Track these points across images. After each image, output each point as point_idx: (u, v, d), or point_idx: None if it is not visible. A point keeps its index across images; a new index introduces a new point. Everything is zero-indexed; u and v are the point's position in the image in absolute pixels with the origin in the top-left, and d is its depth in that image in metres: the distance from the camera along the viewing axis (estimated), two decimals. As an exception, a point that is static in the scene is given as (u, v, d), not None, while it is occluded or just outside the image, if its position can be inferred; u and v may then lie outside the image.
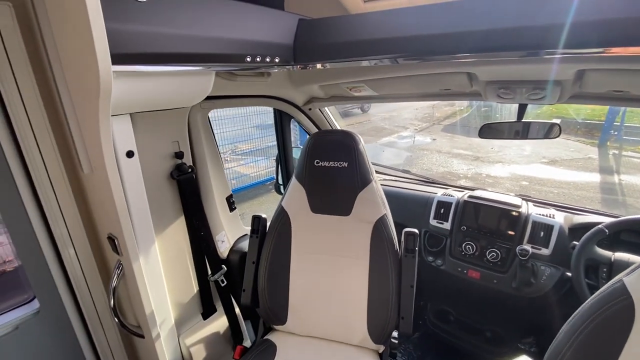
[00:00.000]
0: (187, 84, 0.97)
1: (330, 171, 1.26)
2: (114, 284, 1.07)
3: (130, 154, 0.95)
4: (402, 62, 0.96)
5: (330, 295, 1.24)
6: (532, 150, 8.65)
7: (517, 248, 1.34)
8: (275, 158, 1.98)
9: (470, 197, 1.61)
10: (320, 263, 1.27)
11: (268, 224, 1.34)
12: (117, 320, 1.10)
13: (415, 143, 9.91)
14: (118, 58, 0.73)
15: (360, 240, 1.23)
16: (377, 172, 2.43)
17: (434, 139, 10.14)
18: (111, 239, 1.04)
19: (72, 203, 1.05)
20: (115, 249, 1.05)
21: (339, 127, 1.87)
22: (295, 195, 1.31)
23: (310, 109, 1.69)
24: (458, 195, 1.67)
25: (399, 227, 1.77)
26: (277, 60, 1.07)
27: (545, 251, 1.38)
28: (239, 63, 0.98)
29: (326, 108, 1.75)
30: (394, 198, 1.95)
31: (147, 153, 1.05)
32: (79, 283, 1.13)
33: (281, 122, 1.79)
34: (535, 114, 7.39)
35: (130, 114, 0.95)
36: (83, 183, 1.07)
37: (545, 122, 1.23)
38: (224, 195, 1.42)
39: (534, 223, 1.43)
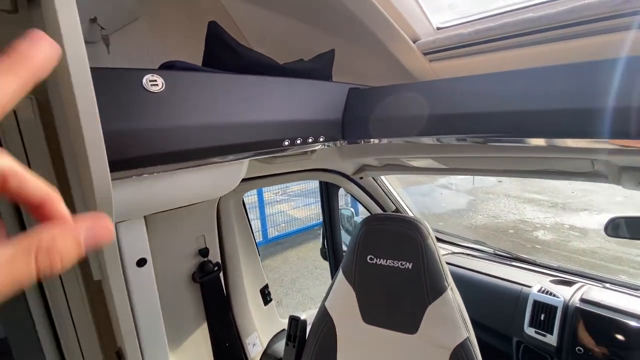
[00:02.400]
0: (212, 176, 0.81)
1: (388, 272, 0.97)
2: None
3: (141, 263, 0.79)
4: (489, 144, 0.69)
5: None
6: (629, 195, 7.29)
7: None
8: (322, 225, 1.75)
9: (584, 301, 1.17)
10: (375, 398, 0.94)
11: (309, 327, 1.07)
12: None
13: (476, 184, 9.06)
14: (123, 164, 0.58)
15: (432, 373, 0.89)
16: (439, 239, 2.05)
17: (500, 181, 9.18)
18: (119, 355, 0.86)
19: (85, 310, 0.91)
20: (122, 368, 0.86)
21: (398, 197, 1.58)
22: (342, 297, 1.03)
23: (361, 178, 1.45)
24: (564, 294, 1.23)
25: (476, 327, 1.37)
26: (321, 139, 0.87)
27: None
28: (275, 148, 0.79)
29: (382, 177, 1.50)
30: (465, 284, 1.55)
31: (165, 256, 0.88)
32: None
33: (327, 189, 1.57)
34: None
35: (145, 216, 0.80)
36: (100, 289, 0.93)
37: None
38: (258, 287, 1.20)
39: None
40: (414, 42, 0.99)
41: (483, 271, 1.52)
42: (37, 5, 0.53)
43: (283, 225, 6.34)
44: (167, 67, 0.70)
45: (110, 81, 0.56)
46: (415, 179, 9.73)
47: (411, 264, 0.94)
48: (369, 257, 1.00)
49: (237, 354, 1.08)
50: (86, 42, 0.92)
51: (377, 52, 1.03)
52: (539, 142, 0.63)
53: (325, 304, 1.06)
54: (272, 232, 6.07)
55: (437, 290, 0.92)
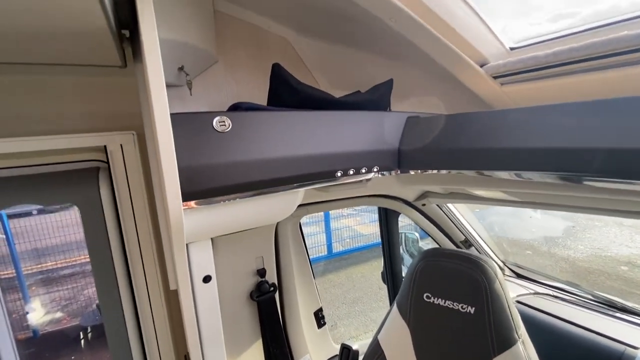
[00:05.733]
0: (270, 204, 0.87)
1: (447, 314, 0.89)
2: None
3: (207, 279, 0.88)
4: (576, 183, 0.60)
5: None
6: None
7: None
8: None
9: None
10: None
11: (361, 358, 1.05)
12: None
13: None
14: (193, 195, 0.67)
15: None
16: (520, 275, 1.79)
17: (610, 205, 7.64)
18: (187, 359, 0.97)
19: (163, 314, 1.05)
20: (189, 371, 0.96)
21: (468, 226, 1.45)
22: (396, 333, 0.98)
23: (424, 205, 1.38)
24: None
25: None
26: (375, 169, 0.87)
27: None
28: (327, 179, 0.82)
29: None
30: (546, 332, 1.32)
31: (227, 273, 0.97)
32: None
33: (386, 215, 1.52)
34: None
35: (212, 238, 0.89)
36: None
37: None
38: (312, 310, 1.22)
39: None
40: (482, 66, 0.93)
41: (573, 321, 1.28)
42: (140, 61, 0.66)
43: (348, 240, 6.31)
44: (234, 108, 0.79)
45: (187, 123, 0.66)
46: (498, 199, 8.73)
47: (473, 308, 0.85)
48: (425, 295, 0.94)
49: (290, 374, 1.11)
50: (174, 86, 1.08)
51: (441, 78, 0.99)
52: None
53: (379, 337, 1.02)
54: (337, 247, 6.08)
55: (505, 342, 0.82)
